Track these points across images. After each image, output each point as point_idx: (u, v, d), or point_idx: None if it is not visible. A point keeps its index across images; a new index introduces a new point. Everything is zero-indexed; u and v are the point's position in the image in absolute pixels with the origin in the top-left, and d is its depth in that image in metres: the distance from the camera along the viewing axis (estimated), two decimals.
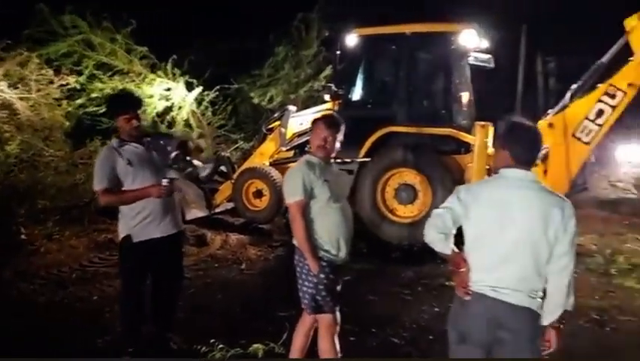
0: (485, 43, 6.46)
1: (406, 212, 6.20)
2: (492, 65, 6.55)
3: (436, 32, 6.32)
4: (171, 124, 9.05)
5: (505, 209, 2.06)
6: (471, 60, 6.39)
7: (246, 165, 7.21)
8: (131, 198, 3.10)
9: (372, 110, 6.75)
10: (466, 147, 6.08)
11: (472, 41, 6.17)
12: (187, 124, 9.27)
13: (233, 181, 7.03)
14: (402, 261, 5.73)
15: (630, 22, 5.33)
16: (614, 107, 5.32)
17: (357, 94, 6.92)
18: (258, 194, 6.91)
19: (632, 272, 5.34)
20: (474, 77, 6.52)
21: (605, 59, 5.55)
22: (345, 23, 7.02)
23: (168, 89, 8.87)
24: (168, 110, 8.97)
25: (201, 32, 10.53)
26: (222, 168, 7.46)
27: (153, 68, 8.85)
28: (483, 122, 5.83)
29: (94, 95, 7.90)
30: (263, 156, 7.21)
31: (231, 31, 11.05)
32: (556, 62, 11.03)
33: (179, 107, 9.05)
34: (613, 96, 5.31)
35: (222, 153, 7.84)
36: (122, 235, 3.21)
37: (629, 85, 5.23)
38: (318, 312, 2.82)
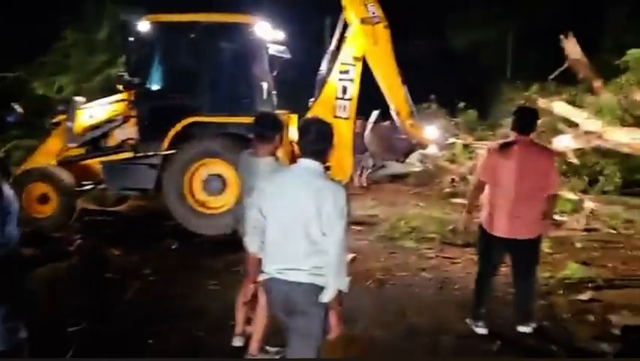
0: (280, 35, 6.73)
1: (215, 203, 6.13)
2: (288, 56, 6.85)
3: (232, 23, 6.33)
4: None
5: (283, 195, 2.26)
6: (270, 51, 6.59)
7: (26, 166, 6.22)
8: None
9: (172, 100, 6.41)
10: None
11: (268, 33, 6.36)
12: None
13: None
14: (211, 252, 5.66)
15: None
16: (352, 80, 6.19)
17: (155, 83, 6.52)
18: (43, 199, 6.03)
19: (410, 234, 6.26)
20: (282, 68, 6.76)
21: (332, 46, 6.40)
22: (136, 7, 6.51)
23: None
24: None
25: None
26: None
27: None
28: (286, 112, 6.24)
29: None
30: (48, 154, 6.30)
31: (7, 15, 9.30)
32: None
33: None
34: (347, 72, 6.18)
35: None
36: None
37: (355, 58, 6.09)
38: None
